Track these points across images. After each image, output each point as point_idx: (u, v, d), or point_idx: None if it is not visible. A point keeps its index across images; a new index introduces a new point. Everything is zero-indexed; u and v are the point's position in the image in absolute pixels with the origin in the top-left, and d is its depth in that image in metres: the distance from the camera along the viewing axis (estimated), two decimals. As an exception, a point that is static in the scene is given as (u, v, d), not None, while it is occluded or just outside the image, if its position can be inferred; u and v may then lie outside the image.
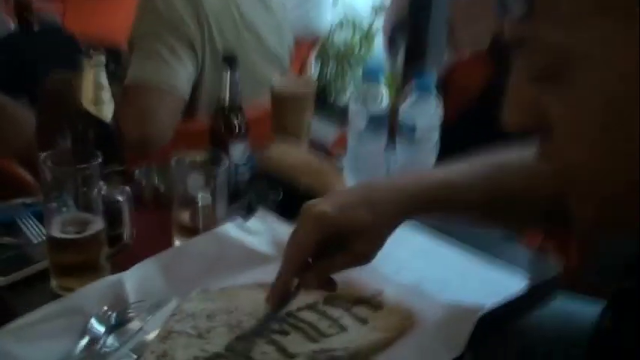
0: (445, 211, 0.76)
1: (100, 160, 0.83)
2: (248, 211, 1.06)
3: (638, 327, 0.57)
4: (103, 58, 0.89)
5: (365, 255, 0.74)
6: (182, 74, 1.30)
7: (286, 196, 1.10)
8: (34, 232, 0.99)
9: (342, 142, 1.41)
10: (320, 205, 0.70)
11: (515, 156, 0.78)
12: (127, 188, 0.86)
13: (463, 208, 0.79)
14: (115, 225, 0.88)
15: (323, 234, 0.69)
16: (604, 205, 0.49)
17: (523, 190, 0.77)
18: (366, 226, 0.71)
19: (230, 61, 1.05)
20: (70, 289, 0.86)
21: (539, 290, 0.95)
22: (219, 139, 1.08)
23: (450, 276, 0.94)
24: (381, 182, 0.76)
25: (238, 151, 1.09)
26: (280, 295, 0.75)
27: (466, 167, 0.78)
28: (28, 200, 1.01)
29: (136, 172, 1.14)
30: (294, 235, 0.73)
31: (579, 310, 1.06)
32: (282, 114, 1.26)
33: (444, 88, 1.76)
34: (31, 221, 1.01)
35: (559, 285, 0.98)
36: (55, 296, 0.86)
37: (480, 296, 0.89)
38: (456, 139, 1.09)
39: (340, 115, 1.83)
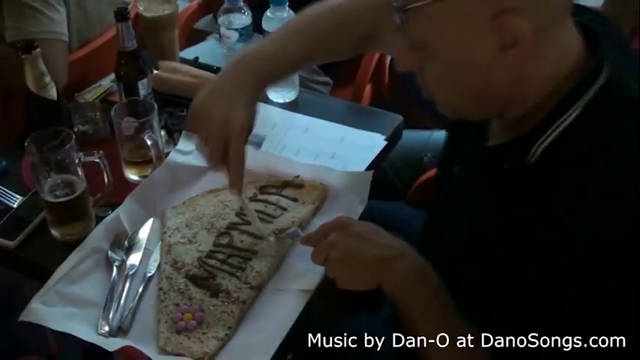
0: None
1: (73, 140, 1.06)
2: (167, 130, 1.34)
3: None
4: (39, 51, 1.07)
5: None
6: (58, 19, 1.44)
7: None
8: (8, 197, 1.20)
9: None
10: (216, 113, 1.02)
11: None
12: (101, 151, 1.10)
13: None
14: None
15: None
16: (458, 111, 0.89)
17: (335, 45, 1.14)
18: (240, 122, 1.02)
19: (120, 14, 1.24)
20: (70, 235, 1.12)
21: (390, 139, 1.36)
22: (126, 80, 1.30)
23: (333, 145, 1.32)
24: (232, 78, 1.06)
25: (143, 86, 1.32)
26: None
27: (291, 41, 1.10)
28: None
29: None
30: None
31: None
32: (155, 34, 1.48)
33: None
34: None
35: (400, 134, 1.40)
36: (60, 242, 1.12)
37: (360, 156, 1.29)
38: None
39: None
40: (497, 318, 0.84)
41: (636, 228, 0.74)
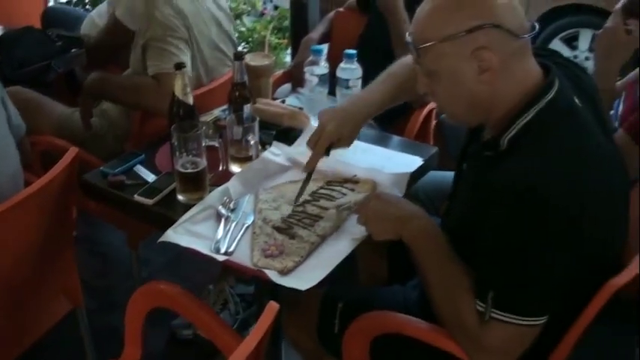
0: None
1: (199, 129, 1.53)
2: (261, 142, 1.80)
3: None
4: (185, 70, 1.58)
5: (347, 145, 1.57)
6: (186, 60, 1.96)
7: (278, 132, 1.85)
8: (146, 174, 1.68)
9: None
10: (329, 126, 1.49)
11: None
12: (220, 139, 1.57)
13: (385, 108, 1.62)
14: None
15: (330, 142, 1.50)
16: (458, 118, 1.31)
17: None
18: (347, 136, 1.53)
19: (237, 56, 1.75)
20: (191, 200, 1.57)
21: (425, 164, 1.79)
22: (235, 104, 1.79)
23: (383, 161, 1.76)
24: (350, 109, 1.55)
25: (247, 109, 1.80)
26: (312, 168, 1.53)
27: (383, 89, 1.59)
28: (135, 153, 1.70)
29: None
30: (316, 141, 1.51)
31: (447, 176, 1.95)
32: (257, 79, 1.98)
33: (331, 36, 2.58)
34: (141, 167, 1.69)
35: (434, 162, 1.83)
36: (184, 204, 1.57)
37: (402, 169, 1.72)
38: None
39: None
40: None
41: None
